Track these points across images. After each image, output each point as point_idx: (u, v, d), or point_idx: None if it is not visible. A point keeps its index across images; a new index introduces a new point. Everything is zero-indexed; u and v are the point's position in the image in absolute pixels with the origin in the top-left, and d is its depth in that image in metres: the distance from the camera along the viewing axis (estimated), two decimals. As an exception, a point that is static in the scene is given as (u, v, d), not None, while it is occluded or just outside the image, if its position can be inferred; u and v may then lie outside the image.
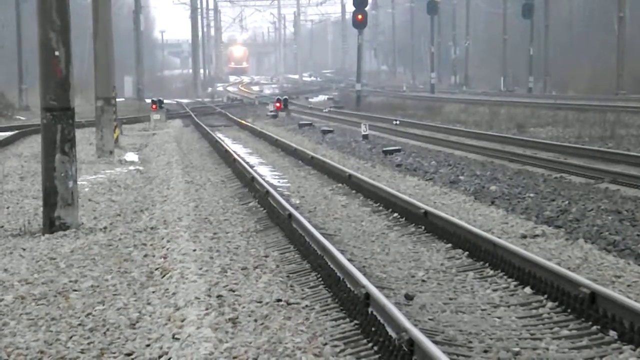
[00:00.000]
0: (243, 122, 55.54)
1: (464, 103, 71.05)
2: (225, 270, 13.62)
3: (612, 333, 10.19)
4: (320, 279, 12.98)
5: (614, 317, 10.27)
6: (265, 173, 27.20)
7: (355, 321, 10.80)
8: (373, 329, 10.23)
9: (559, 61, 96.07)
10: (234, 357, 9.62)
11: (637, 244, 14.83)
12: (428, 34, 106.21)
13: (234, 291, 12.33)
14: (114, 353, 9.94)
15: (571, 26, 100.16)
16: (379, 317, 10.20)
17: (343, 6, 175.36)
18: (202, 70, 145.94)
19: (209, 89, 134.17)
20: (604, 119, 42.57)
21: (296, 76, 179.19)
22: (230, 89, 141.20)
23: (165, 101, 67.63)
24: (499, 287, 12.53)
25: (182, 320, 10.97)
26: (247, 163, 27.93)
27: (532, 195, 20.58)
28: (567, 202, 19.30)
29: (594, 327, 10.48)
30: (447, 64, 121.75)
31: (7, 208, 20.71)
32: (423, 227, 16.82)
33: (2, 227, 18.22)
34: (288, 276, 13.35)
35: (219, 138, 40.42)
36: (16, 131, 46.84)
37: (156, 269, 13.92)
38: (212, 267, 13.82)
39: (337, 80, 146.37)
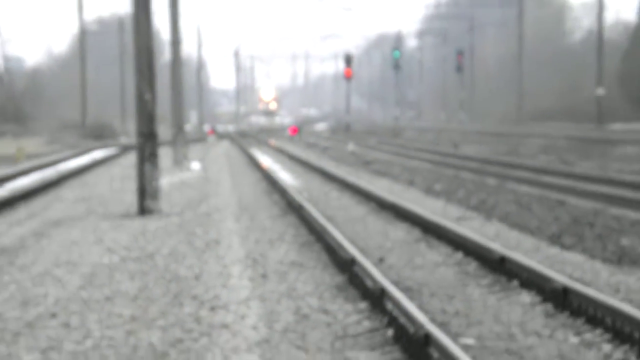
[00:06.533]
0: (269, 142, 55.60)
1: (418, 130, 71.18)
2: (257, 242, 13.67)
3: (516, 281, 10.24)
4: (322, 247, 13.02)
5: (517, 272, 10.32)
6: (284, 177, 27.24)
7: (345, 276, 10.85)
8: (357, 281, 10.27)
9: (480, 101, 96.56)
10: (264, 299, 9.67)
11: (530, 222, 14.88)
12: (394, 82, 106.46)
13: (263, 255, 12.39)
14: (184, 296, 10.00)
15: (488, 78, 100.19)
16: (360, 274, 10.24)
17: (337, 65, 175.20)
18: (241, 108, 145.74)
19: (246, 120, 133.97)
20: (510, 140, 42.73)
21: (305, 110, 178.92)
22: (261, 120, 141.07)
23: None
24: (441, 253, 12.56)
25: (229, 275, 11.03)
26: (271, 169, 28.00)
27: (462, 191, 20.65)
28: (485, 195, 19.37)
29: (504, 278, 10.54)
30: (407, 103, 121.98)
31: (115, 200, 20.76)
32: (391, 213, 16.88)
33: (113, 212, 18.28)
34: (300, 245, 13.40)
35: (252, 153, 40.46)
36: (120, 149, 47.07)
37: (212, 240, 13.98)
38: (249, 240, 13.88)
39: (333, 114, 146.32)
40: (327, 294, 9.94)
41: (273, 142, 55.38)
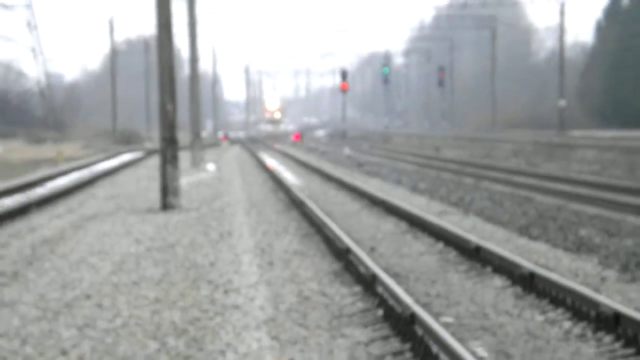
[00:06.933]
0: (274, 147, 55.51)
1: (405, 136, 71.11)
2: (265, 233, 13.66)
3: (489, 267, 10.23)
4: (321, 238, 12.99)
5: (490, 259, 10.31)
6: (288, 177, 27.20)
7: (341, 263, 10.84)
8: (352, 268, 10.26)
9: (459, 111, 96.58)
10: (270, 283, 9.67)
11: (502, 217, 14.88)
12: (384, 95, 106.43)
13: (270, 245, 12.38)
14: (201, 280, 10.00)
15: (466, 91, 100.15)
16: (354, 262, 10.23)
17: (334, 79, 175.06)
18: (251, 117, 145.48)
19: (255, 128, 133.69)
20: (485, 145, 42.66)
21: (307, 119, 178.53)
22: (268, 127, 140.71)
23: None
24: (425, 243, 12.55)
25: (240, 262, 11.02)
26: (276, 171, 27.96)
27: (444, 189, 20.64)
28: (463, 193, 19.37)
29: (479, 265, 10.53)
30: (395, 113, 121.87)
31: (141, 197, 20.73)
32: (382, 208, 16.86)
33: (139, 207, 18.26)
34: (302, 237, 13.39)
35: (260, 156, 40.41)
36: (145, 152, 46.95)
37: (225, 232, 13.97)
38: (257, 231, 13.87)
39: (331, 122, 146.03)
40: (326, 279, 9.94)
41: (278, 146, 55.35)
